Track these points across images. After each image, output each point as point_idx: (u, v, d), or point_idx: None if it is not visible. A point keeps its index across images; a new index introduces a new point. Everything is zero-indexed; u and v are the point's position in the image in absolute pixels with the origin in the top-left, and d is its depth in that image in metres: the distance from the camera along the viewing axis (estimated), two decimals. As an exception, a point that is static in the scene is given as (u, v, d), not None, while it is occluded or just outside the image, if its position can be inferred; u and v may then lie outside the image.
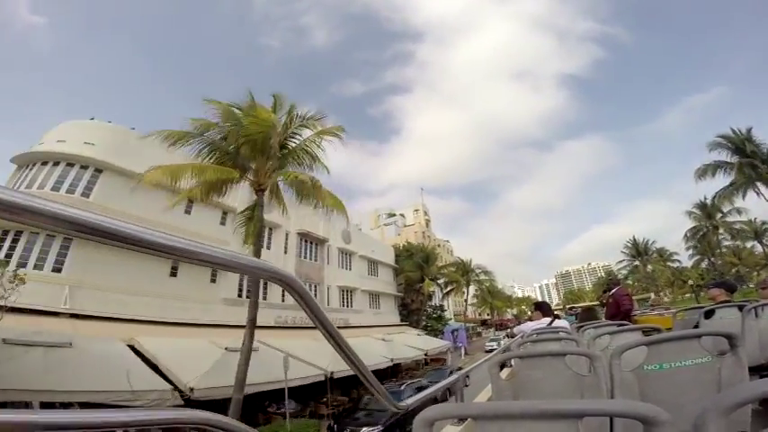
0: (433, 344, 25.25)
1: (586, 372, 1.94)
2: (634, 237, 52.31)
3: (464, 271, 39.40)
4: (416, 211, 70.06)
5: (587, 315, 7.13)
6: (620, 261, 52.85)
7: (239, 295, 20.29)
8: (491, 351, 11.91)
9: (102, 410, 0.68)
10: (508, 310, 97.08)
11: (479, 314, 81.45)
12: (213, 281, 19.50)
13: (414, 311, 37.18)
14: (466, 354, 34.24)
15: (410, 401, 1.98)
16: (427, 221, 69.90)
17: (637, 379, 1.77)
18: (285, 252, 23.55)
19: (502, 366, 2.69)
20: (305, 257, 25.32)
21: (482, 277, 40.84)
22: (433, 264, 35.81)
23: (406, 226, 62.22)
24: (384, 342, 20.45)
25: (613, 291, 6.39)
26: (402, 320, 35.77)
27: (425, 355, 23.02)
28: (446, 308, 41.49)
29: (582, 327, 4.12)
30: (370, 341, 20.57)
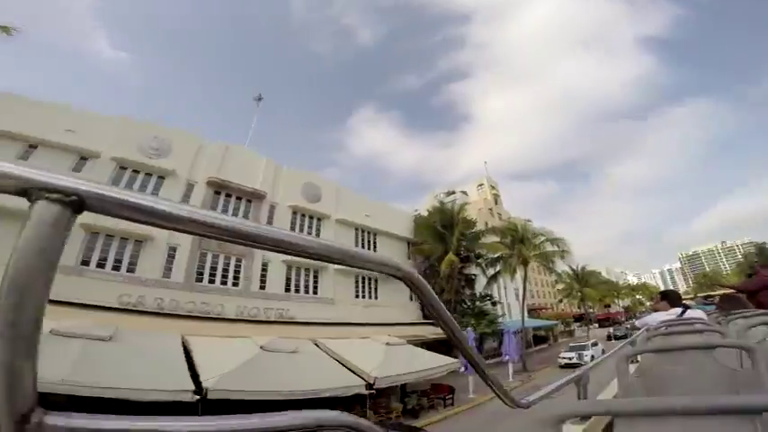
0: (424, 362, 13.60)
1: (738, 366, 1.82)
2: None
3: (514, 239, 25.99)
4: (480, 185, 57.93)
5: (732, 304, 5.02)
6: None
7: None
8: (568, 366, 10.40)
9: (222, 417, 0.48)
10: (615, 300, 75.19)
11: (577, 307, 63.10)
12: None
13: (448, 304, 25.77)
14: (524, 370, 21.51)
15: (531, 398, 1.78)
16: (495, 197, 56.96)
17: None
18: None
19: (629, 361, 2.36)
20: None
21: (547, 248, 26.26)
22: (458, 229, 23.75)
23: (467, 204, 50.96)
24: (286, 356, 10.19)
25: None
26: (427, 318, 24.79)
27: (371, 386, 10.13)
28: (495, 297, 28.57)
29: (728, 316, 3.83)
30: (242, 344, 10.72)
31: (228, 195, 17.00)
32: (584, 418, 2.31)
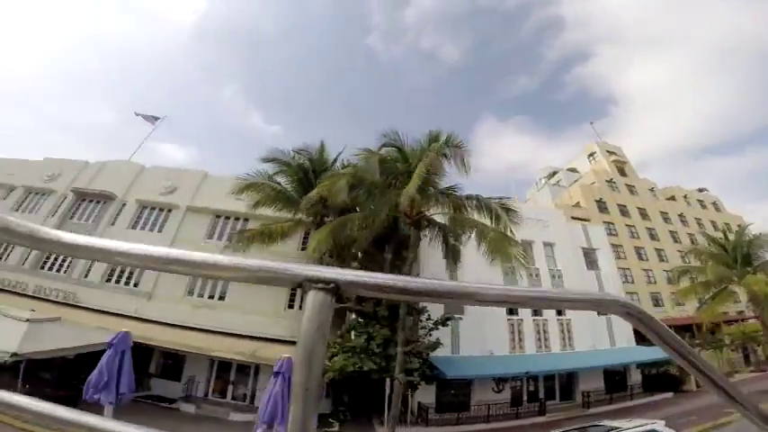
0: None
1: None
2: None
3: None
4: (592, 155, 39.65)
5: None
6: None
7: None
8: None
9: None
10: None
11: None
12: None
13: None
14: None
15: None
16: (620, 165, 37.29)
17: None
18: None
19: None
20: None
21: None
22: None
23: (576, 182, 37.22)
24: None
25: None
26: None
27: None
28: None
29: None
30: None
31: (84, 200, 19.68)
32: None
